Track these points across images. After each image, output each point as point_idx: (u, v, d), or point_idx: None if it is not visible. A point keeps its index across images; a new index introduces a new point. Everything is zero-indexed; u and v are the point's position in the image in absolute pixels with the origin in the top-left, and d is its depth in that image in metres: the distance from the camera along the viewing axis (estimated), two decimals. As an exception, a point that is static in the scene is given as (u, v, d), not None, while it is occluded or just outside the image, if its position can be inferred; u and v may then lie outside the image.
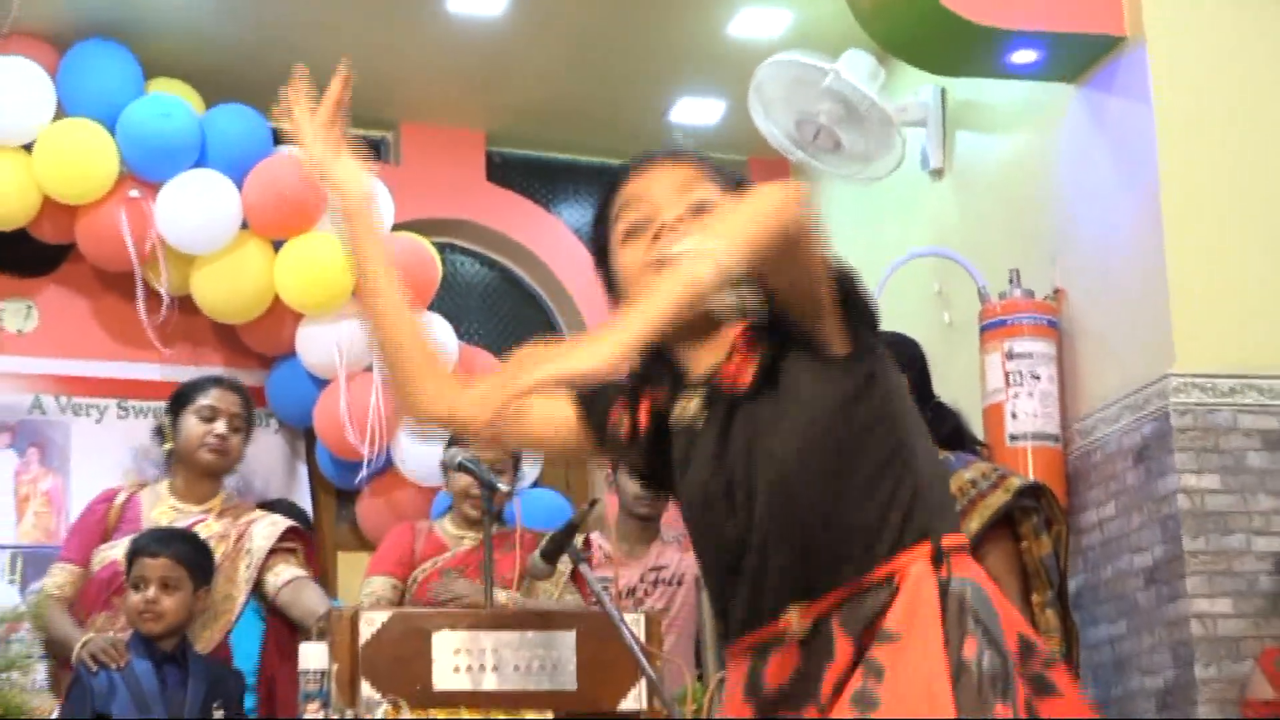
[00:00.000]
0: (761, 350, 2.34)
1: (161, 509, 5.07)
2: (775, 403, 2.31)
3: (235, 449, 5.13)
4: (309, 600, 4.91)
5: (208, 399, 5.09)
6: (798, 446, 2.29)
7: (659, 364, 2.45)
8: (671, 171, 2.50)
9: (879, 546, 2.26)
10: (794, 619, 2.24)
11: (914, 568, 2.25)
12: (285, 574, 5.05)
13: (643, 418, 2.46)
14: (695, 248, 2.10)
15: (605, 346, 2.05)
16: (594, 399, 2.51)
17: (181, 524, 4.98)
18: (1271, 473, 5.48)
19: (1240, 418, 5.43)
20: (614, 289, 2.58)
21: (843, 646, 2.22)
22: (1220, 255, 5.50)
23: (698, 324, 2.36)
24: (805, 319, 2.31)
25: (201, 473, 5.11)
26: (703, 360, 2.40)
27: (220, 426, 5.05)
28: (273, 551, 5.09)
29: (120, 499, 5.12)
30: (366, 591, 5.39)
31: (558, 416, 2.52)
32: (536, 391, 2.08)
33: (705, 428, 2.35)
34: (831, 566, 2.27)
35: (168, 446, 5.18)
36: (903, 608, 2.22)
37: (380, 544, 5.79)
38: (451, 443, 5.14)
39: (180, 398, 5.17)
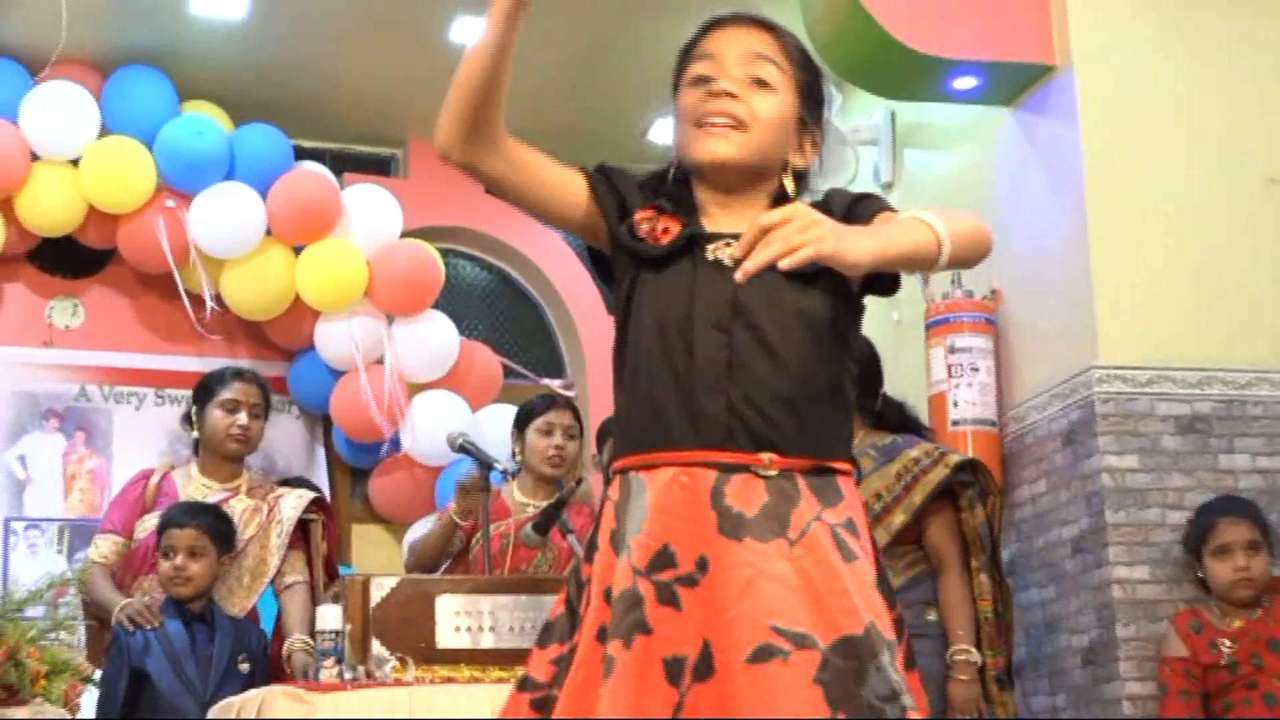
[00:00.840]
0: None
1: (194, 487, 5.08)
2: (801, 288, 2.31)
3: (256, 435, 5.14)
4: (293, 614, 4.97)
5: (230, 392, 5.09)
6: (806, 327, 2.33)
7: (684, 202, 2.46)
8: (747, 37, 2.46)
9: (835, 446, 2.35)
10: (767, 461, 2.24)
11: (850, 479, 2.36)
12: (288, 578, 5.09)
13: (662, 230, 2.42)
14: (939, 222, 2.23)
15: (868, 246, 2.12)
16: (610, 187, 2.47)
17: (213, 499, 4.99)
18: (1184, 454, 5.49)
19: (1156, 405, 5.44)
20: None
21: (809, 502, 2.24)
22: (1139, 261, 5.51)
23: (752, 195, 2.46)
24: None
25: (226, 457, 5.13)
26: (741, 220, 2.30)
27: (242, 418, 5.05)
28: (293, 544, 5.11)
29: (155, 479, 5.13)
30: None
31: (568, 185, 2.47)
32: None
33: (726, 271, 2.28)
34: (799, 436, 2.28)
35: (194, 435, 5.18)
36: (858, 510, 2.32)
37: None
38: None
39: (204, 390, 5.15)
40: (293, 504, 5.15)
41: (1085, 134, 5.66)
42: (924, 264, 2.27)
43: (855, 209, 2.41)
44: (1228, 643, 4.90)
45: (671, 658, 2.15)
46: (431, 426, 6.95)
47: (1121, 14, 5.80)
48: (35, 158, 6.88)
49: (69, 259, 7.29)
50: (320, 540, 5.22)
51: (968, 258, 2.37)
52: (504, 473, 5.10)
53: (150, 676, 4.61)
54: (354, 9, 6.75)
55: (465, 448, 4.79)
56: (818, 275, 2.28)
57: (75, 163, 6.93)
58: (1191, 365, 5.49)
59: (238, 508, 5.03)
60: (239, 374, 5.24)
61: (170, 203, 7.00)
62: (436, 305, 7.26)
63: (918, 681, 2.33)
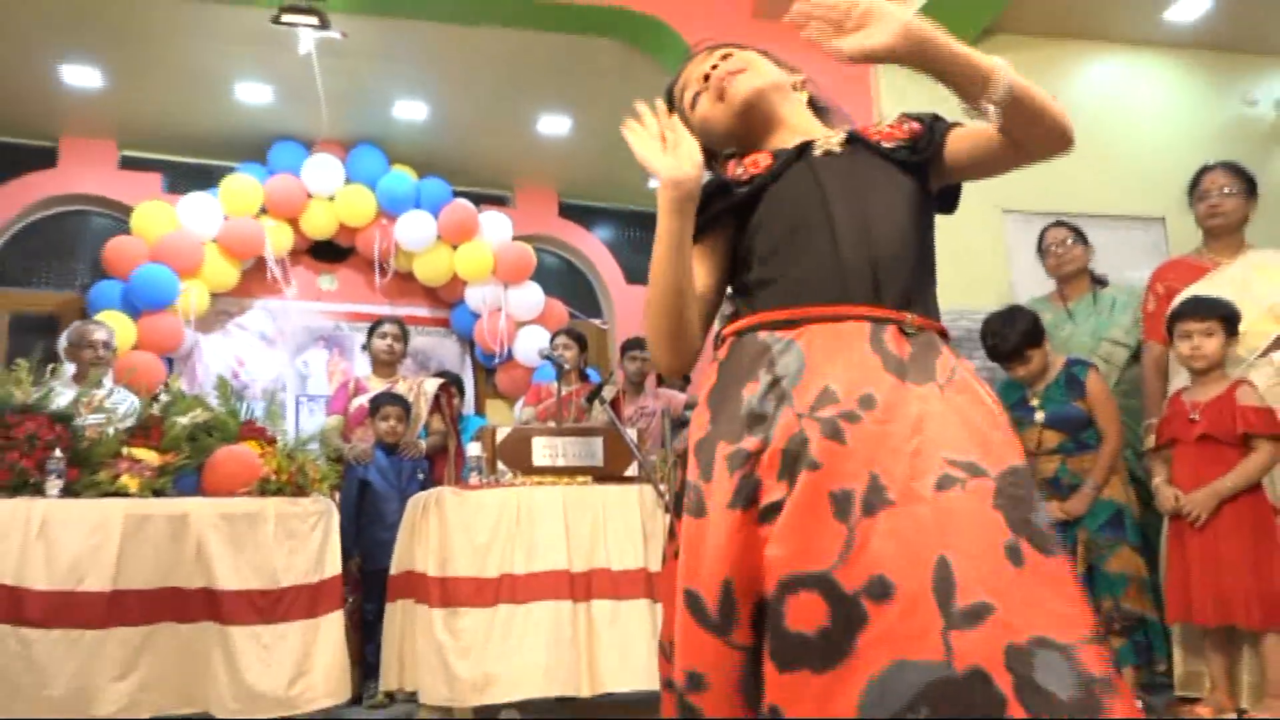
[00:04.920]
0: (904, 138, 1.60)
1: (373, 383, 5.19)
2: (900, 176, 1.57)
3: (399, 350, 5.24)
4: (428, 440, 5.10)
5: (383, 328, 5.23)
6: (909, 209, 1.54)
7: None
8: (704, 56, 1.71)
9: (934, 308, 1.55)
10: (910, 319, 1.45)
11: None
12: (434, 428, 5.19)
13: (751, 164, 1.60)
14: (1002, 62, 1.43)
15: (905, 27, 1.39)
16: (712, 218, 1.59)
17: (383, 388, 5.10)
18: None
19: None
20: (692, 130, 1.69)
21: (948, 354, 1.46)
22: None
23: (793, 117, 1.67)
24: (951, 170, 1.60)
25: (383, 364, 5.23)
26: (799, 136, 1.63)
27: (389, 341, 5.19)
28: (436, 410, 5.20)
29: (352, 382, 5.25)
30: (523, 415, 5.56)
31: (717, 264, 1.61)
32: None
33: (840, 157, 1.57)
34: (927, 301, 1.53)
35: (368, 354, 5.32)
36: (967, 367, 1.48)
37: (527, 392, 5.93)
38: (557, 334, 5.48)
39: (370, 331, 5.30)
40: (432, 384, 5.27)
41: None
42: (968, 80, 1.42)
43: (937, 123, 1.62)
44: None
45: (840, 491, 1.30)
46: (529, 345, 6.98)
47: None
48: (310, 196, 6.86)
49: (329, 251, 7.25)
50: (447, 405, 5.31)
51: (1032, 112, 1.43)
52: (569, 370, 5.16)
53: (370, 483, 4.72)
54: (483, 110, 6.69)
55: (548, 356, 4.81)
56: (910, 168, 1.58)
57: (332, 198, 6.90)
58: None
59: (401, 389, 5.12)
60: (387, 319, 5.35)
61: (384, 221, 6.99)
62: (533, 278, 7.23)
63: None
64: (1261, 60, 6.28)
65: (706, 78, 1.69)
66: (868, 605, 1.21)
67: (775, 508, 1.32)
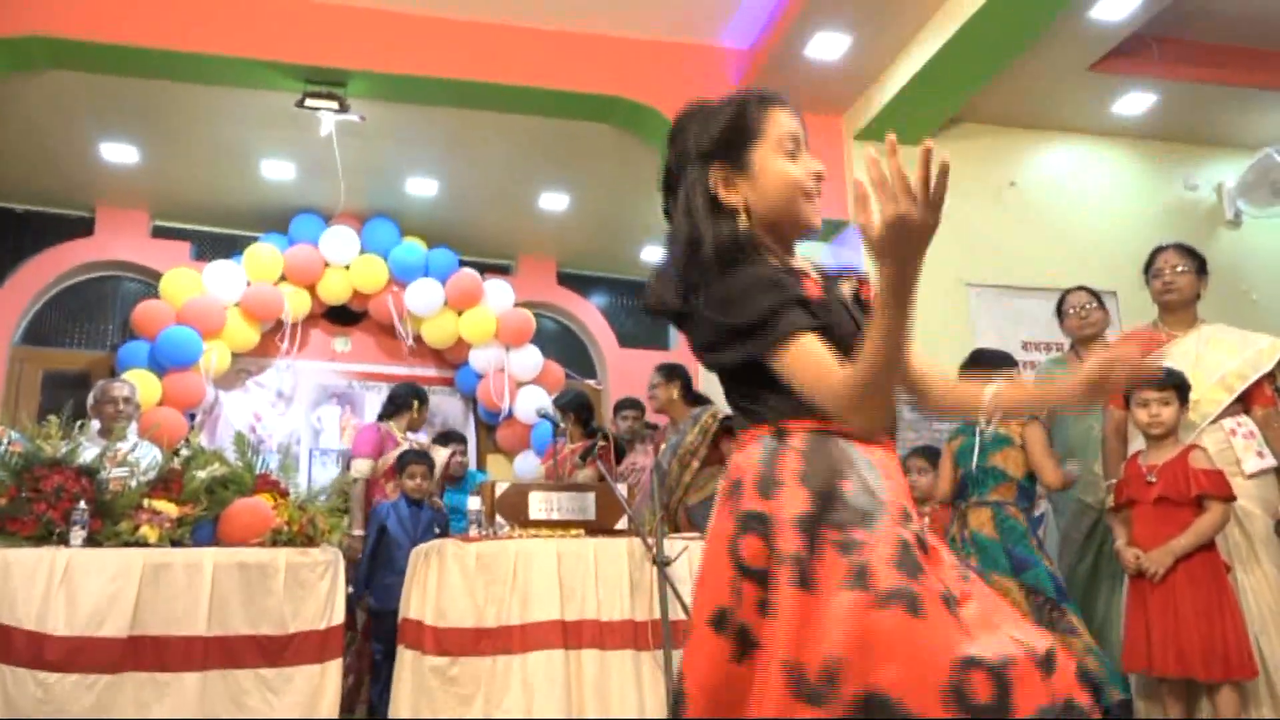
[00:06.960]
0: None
1: (399, 434, 5.10)
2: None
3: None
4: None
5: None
6: None
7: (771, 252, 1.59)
8: (804, 124, 1.63)
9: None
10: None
11: None
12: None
13: (810, 283, 1.52)
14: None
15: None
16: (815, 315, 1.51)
17: (411, 440, 5.01)
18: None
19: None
20: (736, 172, 1.59)
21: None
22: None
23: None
24: None
25: (411, 424, 5.17)
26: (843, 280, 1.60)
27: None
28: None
29: (381, 430, 5.15)
30: (538, 473, 5.54)
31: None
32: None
33: (847, 307, 1.55)
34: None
35: (405, 415, 5.25)
36: None
37: (545, 451, 5.92)
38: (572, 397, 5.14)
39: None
40: (442, 454, 5.24)
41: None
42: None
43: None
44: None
45: (944, 593, 1.34)
46: (528, 404, 6.90)
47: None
48: (327, 264, 6.83)
49: (344, 315, 7.21)
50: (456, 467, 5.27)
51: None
52: (562, 429, 5.10)
53: (388, 529, 4.63)
54: (489, 187, 6.69)
55: (545, 415, 4.76)
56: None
57: (348, 267, 6.88)
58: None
59: (418, 445, 5.05)
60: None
61: (395, 288, 6.95)
62: (532, 341, 7.18)
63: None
64: (1200, 150, 6.35)
65: (820, 178, 1.61)
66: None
67: (893, 595, 1.32)
